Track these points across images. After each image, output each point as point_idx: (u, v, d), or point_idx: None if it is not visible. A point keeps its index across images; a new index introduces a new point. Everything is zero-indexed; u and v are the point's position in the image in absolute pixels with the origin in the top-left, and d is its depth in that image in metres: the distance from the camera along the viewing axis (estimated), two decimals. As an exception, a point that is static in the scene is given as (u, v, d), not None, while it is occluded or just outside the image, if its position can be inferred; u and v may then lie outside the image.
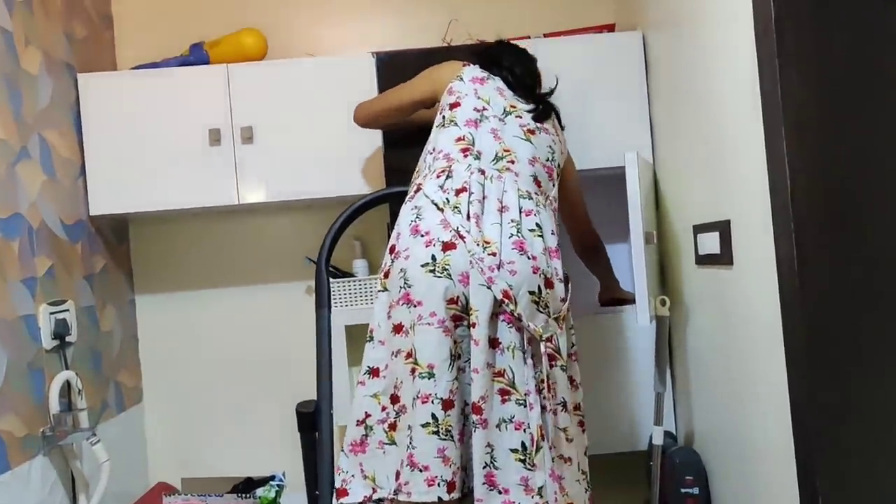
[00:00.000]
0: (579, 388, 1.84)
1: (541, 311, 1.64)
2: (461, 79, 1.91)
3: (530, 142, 1.83)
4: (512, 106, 1.87)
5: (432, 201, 1.69)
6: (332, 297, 2.49)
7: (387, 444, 1.64)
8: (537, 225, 1.70)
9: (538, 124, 1.88)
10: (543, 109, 1.93)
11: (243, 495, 2.08)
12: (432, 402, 1.56)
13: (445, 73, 1.97)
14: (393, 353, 1.66)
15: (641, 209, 2.01)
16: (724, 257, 1.88)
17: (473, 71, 1.93)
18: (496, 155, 1.77)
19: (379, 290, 1.71)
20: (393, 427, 1.64)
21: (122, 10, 2.75)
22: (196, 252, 2.77)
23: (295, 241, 2.77)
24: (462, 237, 1.62)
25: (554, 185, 1.89)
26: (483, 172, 1.74)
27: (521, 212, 1.70)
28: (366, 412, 1.68)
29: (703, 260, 2.03)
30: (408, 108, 2.10)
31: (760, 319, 1.69)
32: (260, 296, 2.79)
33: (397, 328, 1.65)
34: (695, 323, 2.18)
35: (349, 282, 2.46)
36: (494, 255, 1.61)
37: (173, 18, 2.75)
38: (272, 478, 2.23)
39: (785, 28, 1.46)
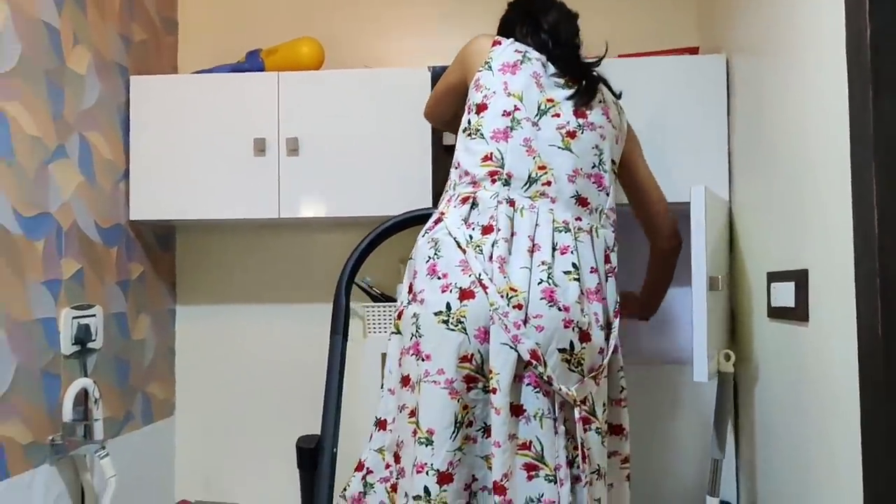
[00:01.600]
0: (628, 438, 1.61)
1: (573, 370, 1.43)
2: (490, 67, 1.61)
3: (570, 150, 1.55)
4: (549, 100, 1.58)
5: (454, 238, 1.48)
6: (373, 322, 2.36)
7: None
8: (574, 266, 1.47)
9: (581, 120, 1.58)
10: (587, 88, 1.61)
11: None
12: (427, 473, 1.36)
13: (474, 56, 1.67)
14: (399, 406, 1.48)
15: (706, 251, 1.78)
16: (798, 312, 1.63)
17: (504, 53, 1.62)
18: (529, 177, 1.53)
19: (392, 332, 1.54)
20: (395, 488, 1.46)
21: (188, 16, 2.72)
22: (244, 265, 2.69)
23: (342, 259, 2.64)
24: (483, 286, 1.40)
25: (608, 194, 1.62)
26: (512, 203, 1.50)
27: (554, 250, 1.48)
28: (368, 468, 1.51)
29: (776, 313, 1.78)
30: (444, 96, 1.86)
31: (838, 390, 1.43)
32: (304, 315, 2.67)
33: (405, 380, 1.47)
34: (764, 383, 1.91)
35: (391, 307, 2.31)
36: (520, 307, 1.40)
37: (238, 25, 2.70)
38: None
39: (881, 49, 1.23)
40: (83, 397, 2.04)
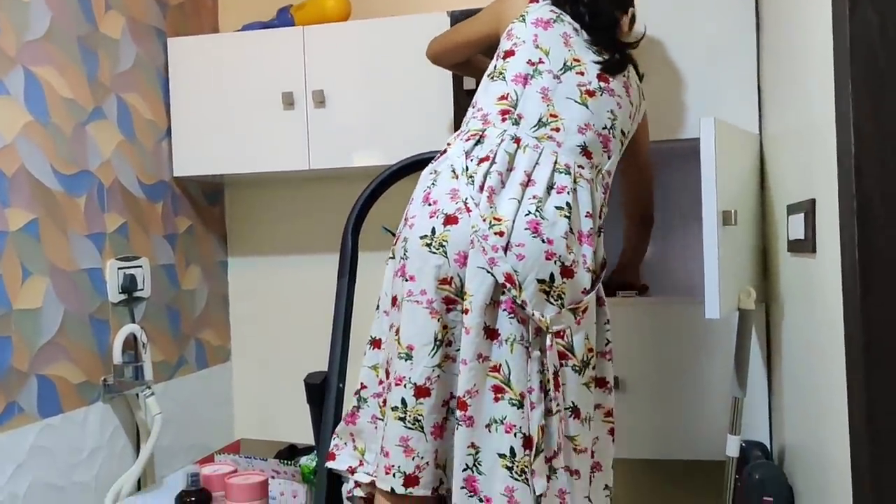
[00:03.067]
0: (612, 391, 1.62)
1: (552, 303, 1.44)
2: (524, 20, 1.67)
3: (585, 105, 1.59)
4: (575, 59, 1.63)
5: (452, 168, 1.53)
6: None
7: (379, 419, 1.53)
8: (567, 204, 1.48)
9: (602, 83, 1.63)
10: (617, 61, 1.67)
11: (287, 462, 2.06)
12: (405, 385, 1.42)
13: (510, 10, 1.73)
14: (390, 325, 1.54)
15: (716, 185, 1.73)
16: (807, 243, 1.57)
17: (540, 10, 1.68)
18: (539, 120, 1.56)
19: (389, 258, 1.60)
20: (385, 403, 1.53)
21: (227, -23, 2.81)
22: (292, 216, 2.79)
23: (377, 208, 2.71)
24: (469, 210, 1.45)
25: (610, 158, 1.65)
26: (517, 141, 1.53)
27: (550, 188, 1.49)
28: (362, 383, 1.60)
29: (793, 246, 1.72)
30: (469, 44, 1.89)
31: (838, 321, 1.38)
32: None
33: (393, 300, 1.54)
34: (788, 319, 1.86)
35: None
36: (502, 234, 1.42)
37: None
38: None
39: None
40: (132, 342, 2.20)
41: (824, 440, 1.52)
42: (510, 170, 1.51)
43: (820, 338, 1.53)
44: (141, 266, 2.25)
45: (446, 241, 1.44)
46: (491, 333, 1.42)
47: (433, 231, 1.46)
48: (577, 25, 1.68)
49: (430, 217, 1.48)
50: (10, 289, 1.79)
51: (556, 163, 1.53)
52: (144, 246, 2.30)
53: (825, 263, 1.47)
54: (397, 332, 1.48)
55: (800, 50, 1.63)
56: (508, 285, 1.40)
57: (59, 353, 1.93)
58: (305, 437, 2.70)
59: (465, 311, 1.41)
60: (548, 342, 1.41)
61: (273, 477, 2.06)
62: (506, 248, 1.42)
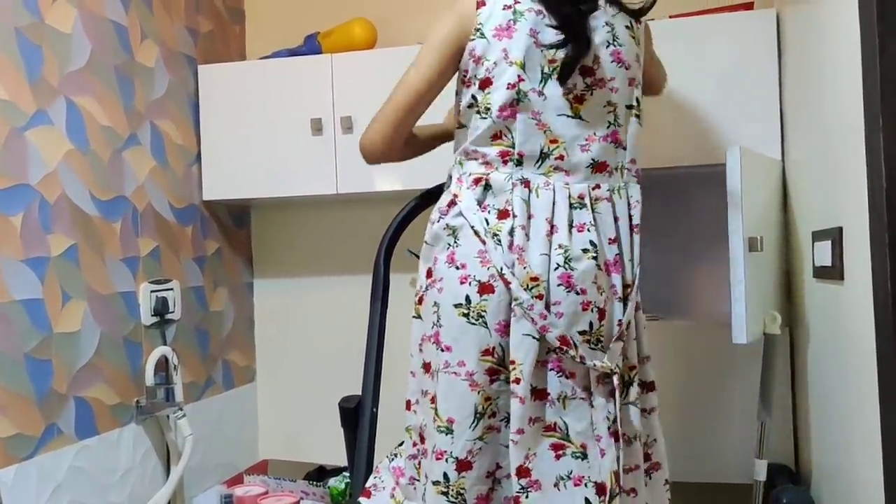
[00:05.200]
0: (655, 389, 1.60)
1: (594, 348, 1.44)
2: (483, 35, 1.45)
3: (580, 117, 1.46)
4: (551, 61, 1.44)
5: (470, 224, 1.45)
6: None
7: (416, 480, 1.54)
8: (591, 242, 1.44)
9: (588, 79, 1.45)
10: (577, 45, 1.43)
11: (315, 483, 2.09)
12: (446, 460, 1.41)
13: (461, 26, 1.48)
14: (422, 391, 1.53)
15: (742, 212, 1.76)
16: (835, 270, 1.60)
17: (494, 17, 1.45)
18: (541, 152, 1.46)
19: (413, 316, 1.57)
20: (420, 466, 1.53)
21: (254, 4, 2.87)
22: (316, 239, 2.83)
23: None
24: (506, 281, 1.40)
25: (626, 148, 1.52)
26: (527, 184, 1.45)
27: (571, 229, 1.44)
28: (402, 441, 1.61)
29: (819, 272, 1.74)
30: (425, 96, 1.57)
31: (870, 351, 1.40)
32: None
33: (426, 366, 1.51)
34: (813, 345, 1.88)
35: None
36: (541, 297, 1.40)
37: (301, 10, 2.82)
38: (345, 469, 2.22)
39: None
40: (164, 363, 2.24)
41: (856, 465, 1.54)
42: (530, 217, 1.45)
43: (851, 363, 1.55)
44: (172, 289, 2.30)
45: (485, 311, 1.41)
46: (539, 394, 1.41)
47: (468, 300, 1.42)
48: (537, 8, 1.45)
49: (462, 283, 1.43)
50: (52, 313, 1.83)
51: (570, 196, 1.46)
52: (175, 269, 2.35)
53: (855, 291, 1.49)
54: (433, 400, 1.46)
55: (823, 79, 1.66)
56: (564, 347, 1.40)
57: (95, 376, 1.97)
58: (329, 457, 2.74)
59: (517, 381, 1.39)
60: (615, 382, 1.42)
61: (302, 498, 2.08)
62: (547, 309, 1.41)
